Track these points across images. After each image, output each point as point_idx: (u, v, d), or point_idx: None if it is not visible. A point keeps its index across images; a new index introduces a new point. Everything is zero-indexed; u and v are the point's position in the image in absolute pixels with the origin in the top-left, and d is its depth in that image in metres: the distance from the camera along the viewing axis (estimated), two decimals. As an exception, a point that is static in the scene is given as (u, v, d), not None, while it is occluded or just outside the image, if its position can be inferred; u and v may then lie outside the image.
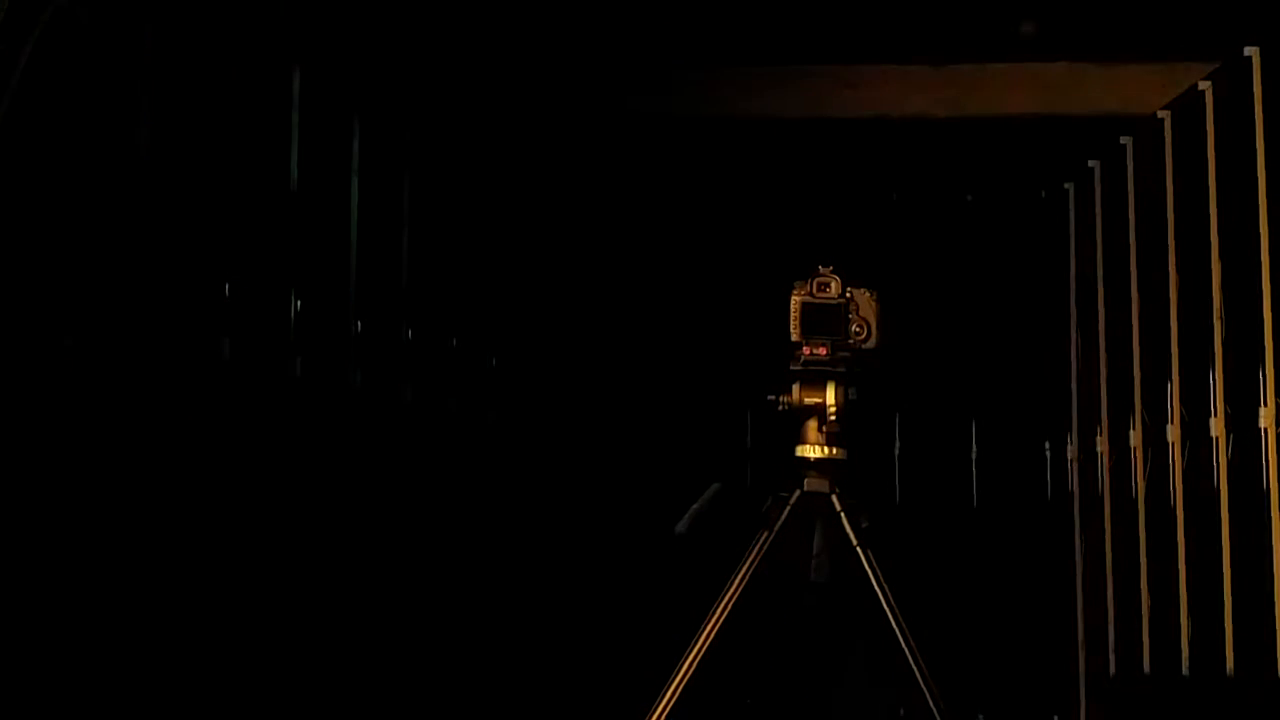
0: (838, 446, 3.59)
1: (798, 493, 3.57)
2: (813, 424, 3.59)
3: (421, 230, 4.16)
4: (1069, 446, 5.17)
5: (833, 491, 3.56)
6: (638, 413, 5.42)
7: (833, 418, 3.56)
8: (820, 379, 3.58)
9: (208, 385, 3.13)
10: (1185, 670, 4.14)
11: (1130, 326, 4.58)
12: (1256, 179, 3.71)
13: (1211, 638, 3.95)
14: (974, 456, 5.43)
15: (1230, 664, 3.85)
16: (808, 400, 3.58)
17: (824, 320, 3.59)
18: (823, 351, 3.57)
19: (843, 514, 3.54)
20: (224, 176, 3.23)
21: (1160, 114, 4.38)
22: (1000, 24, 4.97)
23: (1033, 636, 5.23)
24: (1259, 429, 3.70)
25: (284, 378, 3.44)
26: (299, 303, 3.50)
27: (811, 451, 3.59)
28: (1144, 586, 4.44)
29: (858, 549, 3.52)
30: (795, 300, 3.60)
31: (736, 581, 3.51)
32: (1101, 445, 4.85)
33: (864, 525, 3.54)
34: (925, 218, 5.55)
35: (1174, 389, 4.25)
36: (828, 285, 3.61)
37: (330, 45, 3.74)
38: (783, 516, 3.56)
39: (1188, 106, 4.18)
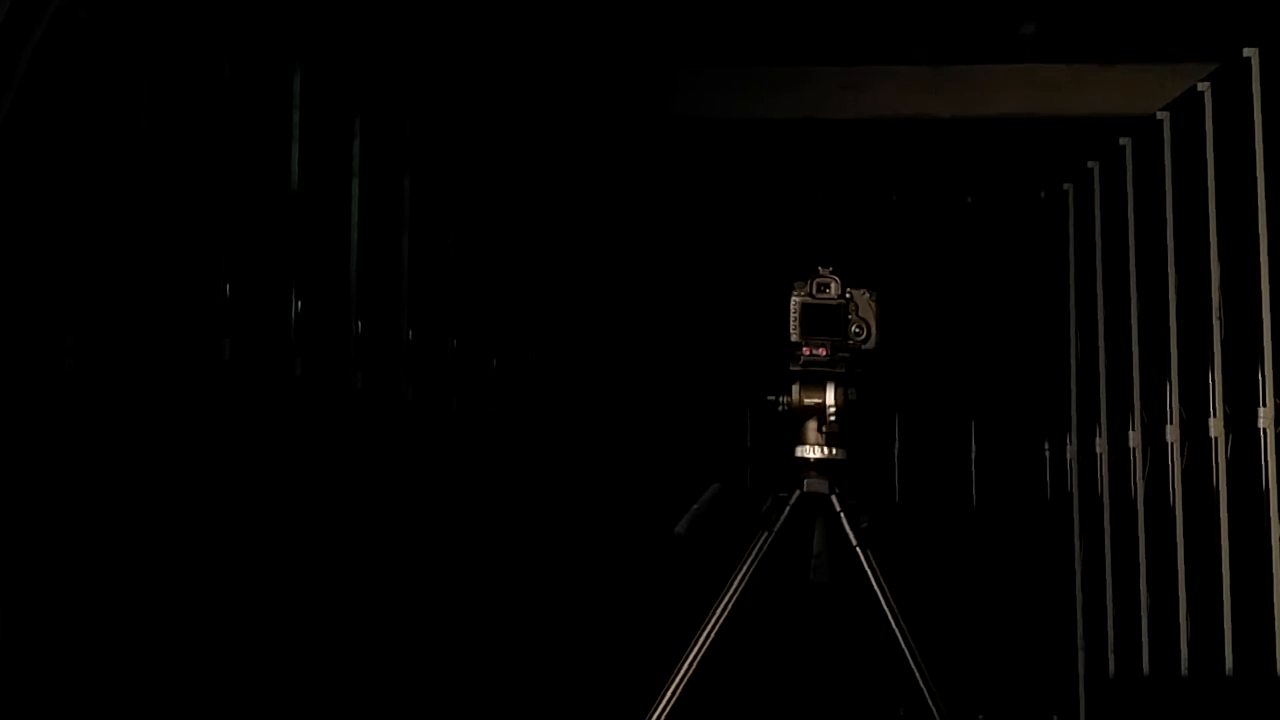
0: (837, 447, 3.60)
1: (798, 493, 3.57)
2: (812, 424, 3.59)
3: (422, 231, 4.16)
4: (1069, 446, 5.17)
5: (833, 492, 3.57)
6: (638, 413, 5.43)
7: (832, 418, 3.57)
8: (820, 379, 3.59)
9: (208, 386, 3.13)
10: (1185, 670, 4.14)
11: (1129, 327, 4.59)
12: (1255, 180, 3.71)
13: (1211, 638, 3.95)
14: (974, 456, 5.43)
15: (1230, 664, 3.85)
16: (807, 401, 3.59)
17: (824, 321, 3.60)
18: (822, 352, 3.58)
19: (842, 514, 3.54)
20: (224, 176, 3.23)
21: (1159, 115, 4.39)
22: (1000, 24, 4.98)
23: (1033, 636, 5.23)
24: (1258, 429, 3.71)
25: (284, 378, 3.44)
26: (299, 303, 3.50)
27: (811, 452, 3.59)
28: (1144, 586, 4.44)
29: (857, 549, 3.52)
30: (795, 301, 3.61)
31: (736, 581, 3.52)
32: (1101, 445, 4.86)
33: (864, 525, 3.54)
34: (925, 218, 5.55)
35: (1173, 389, 4.26)
36: (827, 286, 3.61)
37: (330, 45, 3.75)
38: (782, 517, 3.56)
39: (1187, 107, 4.19)
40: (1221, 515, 3.92)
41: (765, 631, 4.54)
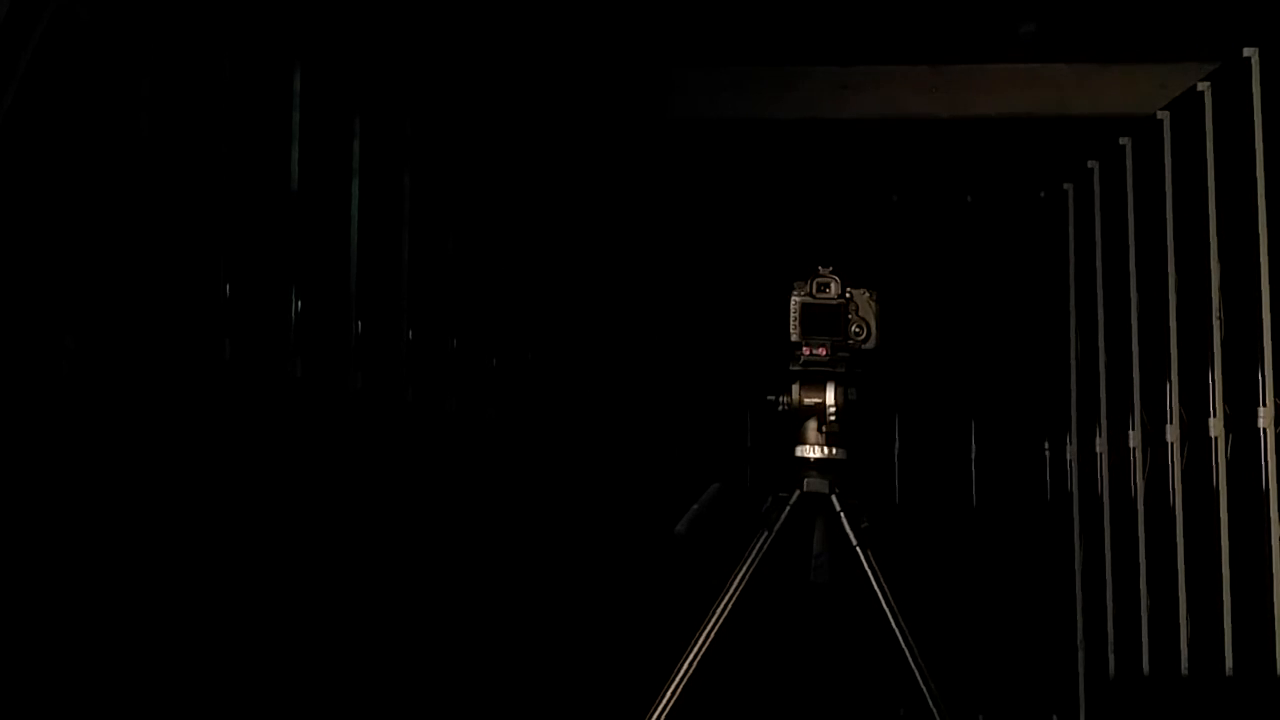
0: (838, 447, 3.60)
1: (798, 493, 3.57)
2: (813, 424, 3.59)
3: (422, 231, 4.16)
4: (1069, 446, 5.17)
5: (833, 492, 3.57)
6: (638, 413, 5.43)
7: (832, 418, 3.57)
8: (820, 379, 3.59)
9: (208, 386, 3.13)
10: (1185, 670, 4.14)
11: (1129, 327, 4.59)
12: (1255, 180, 3.71)
13: (1211, 638, 3.95)
14: (974, 456, 5.43)
15: (1230, 664, 3.85)
16: (808, 400, 3.59)
17: (824, 320, 3.60)
18: (822, 352, 3.58)
19: (843, 514, 3.54)
20: (224, 176, 3.23)
21: (1159, 114, 4.39)
22: (1000, 24, 4.98)
23: (1033, 636, 5.23)
24: (1258, 429, 3.71)
25: (285, 378, 3.44)
26: (299, 303, 3.50)
27: (811, 452, 3.59)
28: (1143, 586, 4.44)
29: (858, 549, 3.52)
30: (795, 301, 3.61)
31: (736, 581, 3.52)
32: (1101, 445, 4.86)
33: (864, 525, 3.54)
34: (925, 218, 5.55)
35: (1173, 389, 4.26)
36: (827, 286, 3.61)
37: (330, 45, 3.75)
38: (782, 517, 3.56)
39: (1187, 107, 4.19)
40: (1221, 515, 3.92)
41: (765, 631, 4.54)
